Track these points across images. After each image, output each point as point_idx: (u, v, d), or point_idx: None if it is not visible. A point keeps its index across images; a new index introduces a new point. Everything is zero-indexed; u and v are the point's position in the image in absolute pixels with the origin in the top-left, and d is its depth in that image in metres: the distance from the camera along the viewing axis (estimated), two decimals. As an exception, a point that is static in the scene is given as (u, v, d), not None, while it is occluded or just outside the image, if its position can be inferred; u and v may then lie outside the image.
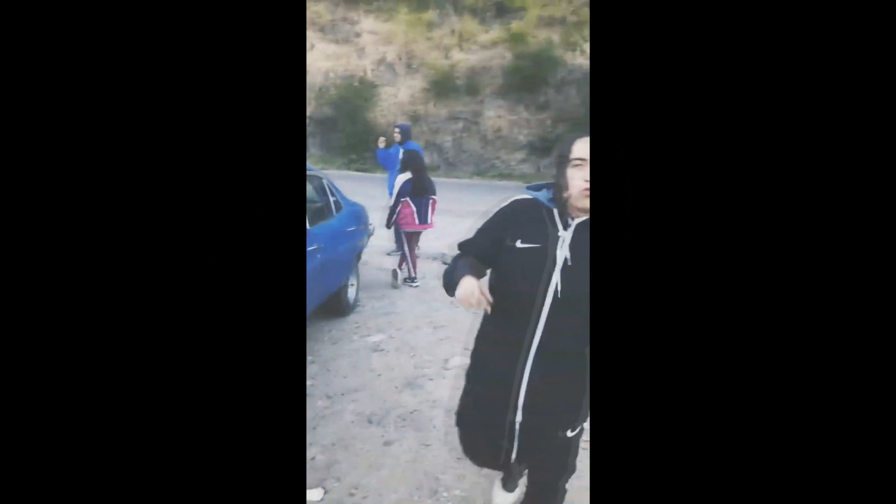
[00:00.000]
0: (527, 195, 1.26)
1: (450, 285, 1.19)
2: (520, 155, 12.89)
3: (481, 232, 1.29)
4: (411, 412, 2.45)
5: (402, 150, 5.16)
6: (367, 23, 14.46)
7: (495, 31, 14.32)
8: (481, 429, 1.39)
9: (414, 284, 4.43)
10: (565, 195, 1.16)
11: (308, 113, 13.19)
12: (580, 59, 13.30)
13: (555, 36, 14.12)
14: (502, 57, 13.96)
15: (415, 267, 4.50)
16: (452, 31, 14.37)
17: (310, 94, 13.37)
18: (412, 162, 4.32)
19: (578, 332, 1.08)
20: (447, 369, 2.90)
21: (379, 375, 2.80)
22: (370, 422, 2.36)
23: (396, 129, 5.46)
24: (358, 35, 14.34)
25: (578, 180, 1.13)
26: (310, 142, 13.02)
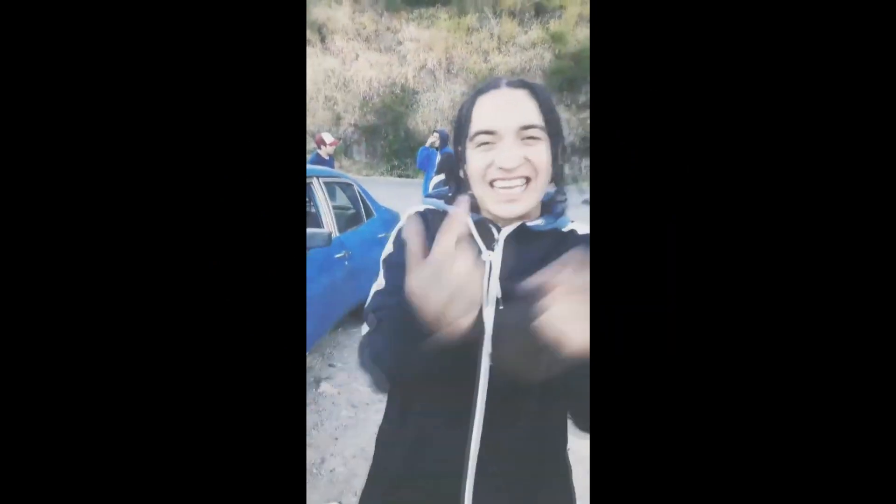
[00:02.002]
0: (428, 205, 0.76)
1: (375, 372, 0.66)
2: (561, 155, 12.57)
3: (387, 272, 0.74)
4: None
5: (439, 154, 5.15)
6: (410, 30, 14.59)
7: (534, 32, 14.08)
8: None
9: None
10: (469, 193, 0.70)
11: (353, 121, 13.46)
12: (623, 55, 12.79)
13: (596, 33, 13.67)
14: (542, 57, 13.70)
15: None
16: (492, 35, 14.24)
17: (355, 103, 13.64)
18: (447, 163, 4.27)
19: (543, 424, 0.67)
20: (472, 380, 2.82)
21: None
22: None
23: (435, 134, 5.45)
24: (400, 43, 14.49)
25: (481, 164, 0.64)
26: (355, 149, 13.28)
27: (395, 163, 12.96)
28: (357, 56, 14.28)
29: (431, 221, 0.73)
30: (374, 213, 3.74)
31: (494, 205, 0.65)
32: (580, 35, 13.75)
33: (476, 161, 0.65)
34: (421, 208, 0.77)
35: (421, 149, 5.38)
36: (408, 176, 11.99)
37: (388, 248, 0.74)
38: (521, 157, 0.63)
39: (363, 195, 3.67)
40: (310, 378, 2.77)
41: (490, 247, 0.68)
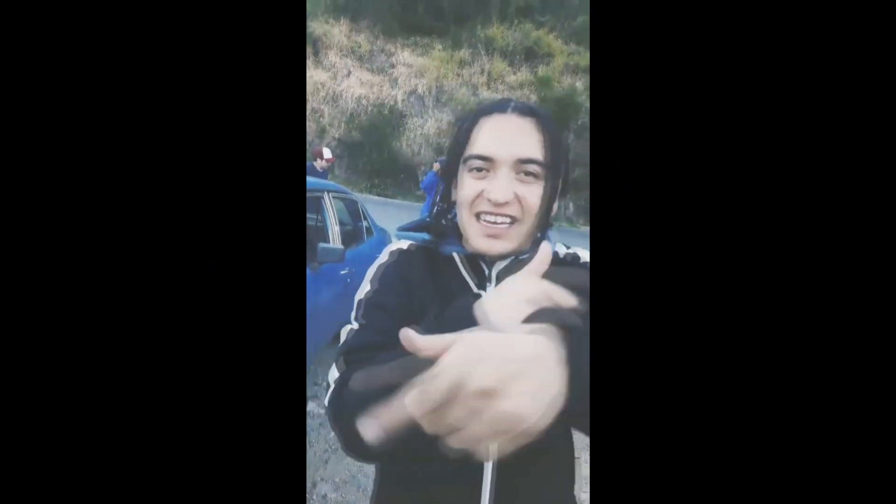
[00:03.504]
0: (411, 241, 0.67)
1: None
2: (537, 193, 12.88)
3: (360, 332, 0.61)
4: (424, 454, 2.33)
5: (440, 180, 5.16)
6: (403, 55, 14.79)
7: (523, 74, 14.57)
8: None
9: None
10: (451, 217, 0.63)
11: (338, 136, 13.39)
12: (602, 107, 13.39)
13: (579, 83, 14.31)
14: (528, 98, 14.15)
15: None
16: (482, 70, 14.63)
17: (341, 118, 13.60)
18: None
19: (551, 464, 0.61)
20: (462, 411, 2.78)
21: (393, 411, 2.69)
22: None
23: (437, 163, 5.51)
24: (393, 66, 14.66)
25: (471, 192, 0.58)
26: (336, 163, 13.17)
27: (376, 181, 12.92)
28: (349, 73, 14.33)
29: (416, 259, 0.65)
30: (374, 233, 3.69)
31: (476, 238, 0.59)
32: (565, 83, 14.34)
33: (466, 187, 0.59)
34: (403, 245, 0.67)
35: (429, 172, 5.43)
36: (387, 195, 11.97)
37: (367, 286, 0.63)
38: (513, 193, 0.57)
39: (365, 213, 3.63)
40: (298, 395, 2.66)
41: (482, 286, 0.61)
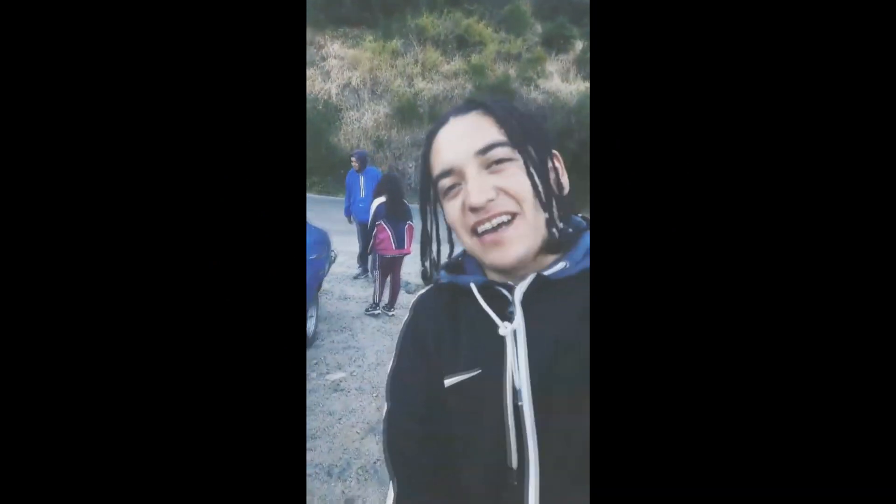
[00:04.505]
0: (431, 285, 0.62)
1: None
2: (478, 181, 12.93)
3: (398, 374, 0.59)
4: (374, 462, 2.22)
5: (361, 176, 4.98)
6: (334, 48, 14.29)
7: (456, 63, 14.48)
8: None
9: (390, 313, 4.18)
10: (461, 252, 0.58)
11: (271, 133, 12.77)
12: (535, 93, 13.61)
13: (511, 71, 14.42)
14: (463, 87, 14.09)
15: (394, 295, 4.25)
16: (416, 61, 14.41)
17: (274, 115, 12.97)
18: (388, 186, 4.12)
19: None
20: (411, 411, 2.69)
21: (339, 420, 2.55)
22: (330, 475, 2.11)
23: (353, 158, 5.21)
24: (324, 59, 14.12)
25: (455, 213, 0.53)
26: (272, 162, 12.59)
27: (315, 179, 12.46)
28: (278, 68, 13.67)
29: (438, 304, 0.59)
30: (306, 234, 3.49)
31: (485, 255, 0.52)
32: (499, 70, 14.40)
33: (450, 211, 0.53)
34: (423, 291, 0.61)
35: (350, 172, 5.19)
36: (327, 193, 11.58)
37: (393, 359, 0.60)
38: (491, 187, 0.50)
39: (296, 215, 3.42)
40: (234, 415, 2.46)
41: (506, 317, 0.52)
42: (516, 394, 0.49)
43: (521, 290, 0.52)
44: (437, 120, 0.56)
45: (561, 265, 0.51)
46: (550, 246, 0.52)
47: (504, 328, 0.51)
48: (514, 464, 0.48)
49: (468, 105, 0.55)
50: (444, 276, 0.59)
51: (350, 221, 5.19)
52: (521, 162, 0.51)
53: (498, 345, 0.50)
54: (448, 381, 0.53)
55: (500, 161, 0.51)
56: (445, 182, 0.53)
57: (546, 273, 0.51)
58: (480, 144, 0.51)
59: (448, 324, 0.56)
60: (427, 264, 0.61)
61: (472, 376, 0.51)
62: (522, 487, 0.48)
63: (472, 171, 0.51)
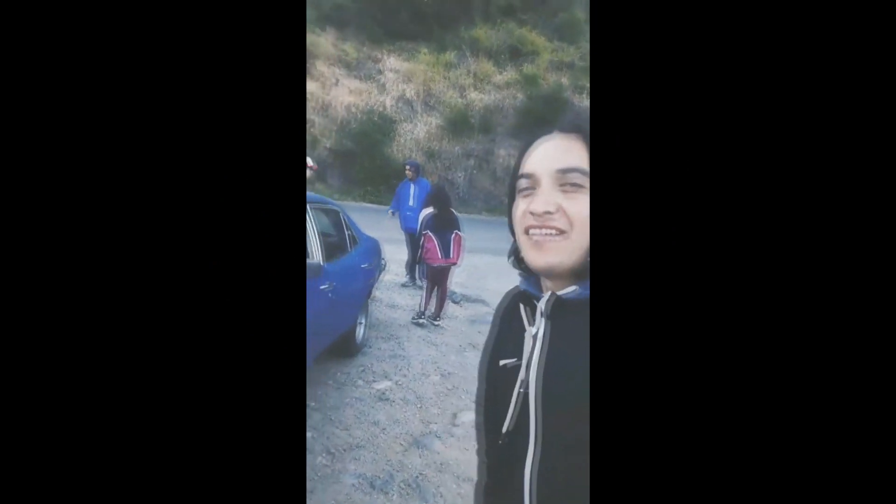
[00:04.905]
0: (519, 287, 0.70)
1: None
2: (529, 191, 12.75)
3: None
4: (416, 476, 2.18)
5: (413, 185, 5.06)
6: (390, 61, 14.65)
7: (509, 73, 14.42)
8: None
9: (436, 323, 4.18)
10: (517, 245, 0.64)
11: (329, 145, 13.24)
12: (587, 101, 13.28)
13: (564, 79, 14.18)
14: (514, 97, 14.01)
15: (441, 305, 4.24)
16: (469, 72, 14.49)
17: (332, 127, 13.46)
18: (437, 196, 4.20)
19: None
20: (455, 426, 2.63)
21: (384, 430, 2.54)
22: (373, 486, 2.09)
23: (407, 167, 5.32)
24: (380, 72, 14.52)
25: (518, 212, 0.60)
26: (329, 173, 13.02)
27: (368, 188, 12.76)
28: (337, 81, 14.19)
29: (508, 314, 0.69)
30: (359, 242, 3.53)
31: (526, 252, 0.60)
32: (551, 79, 14.20)
33: (516, 209, 0.62)
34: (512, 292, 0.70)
35: (404, 182, 5.26)
36: (381, 202, 11.82)
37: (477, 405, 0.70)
38: (556, 203, 0.57)
39: (348, 222, 3.47)
40: (283, 419, 2.50)
41: (531, 321, 0.62)
42: (528, 383, 0.60)
43: (543, 302, 0.61)
44: (546, 131, 0.64)
45: (572, 288, 0.59)
46: (578, 272, 0.58)
47: (530, 331, 0.62)
48: (506, 428, 0.63)
49: (574, 125, 0.60)
50: (520, 283, 0.68)
51: (392, 215, 5.34)
52: (588, 193, 0.56)
53: (528, 349, 0.62)
54: (502, 362, 0.66)
55: (573, 185, 0.57)
56: (523, 183, 0.60)
57: (560, 294, 0.59)
58: (564, 165, 0.58)
59: (509, 317, 0.69)
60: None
61: (514, 362, 0.63)
62: (513, 448, 0.62)
63: (547, 184, 0.58)
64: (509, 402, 0.62)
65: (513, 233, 0.65)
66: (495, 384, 0.66)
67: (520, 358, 0.62)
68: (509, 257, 0.68)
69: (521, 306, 0.65)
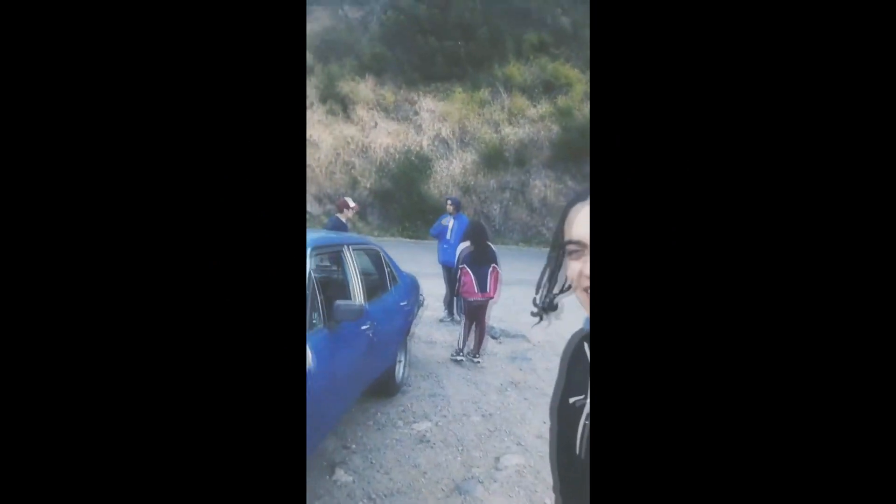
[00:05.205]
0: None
1: None
2: (568, 221, 12.59)
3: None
4: (458, 525, 2.09)
5: (452, 219, 5.12)
6: (426, 102, 15.14)
7: (543, 107, 14.56)
8: None
9: (475, 360, 4.10)
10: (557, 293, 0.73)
11: (368, 185, 13.67)
12: (626, 130, 13.14)
13: (600, 110, 14.13)
14: (549, 129, 14.07)
15: (480, 342, 4.17)
16: (503, 108, 14.74)
17: (371, 168, 13.92)
18: (474, 231, 4.23)
19: None
20: (498, 470, 2.52)
21: (424, 474, 2.47)
22: (413, 535, 2.02)
23: (448, 202, 5.39)
24: (417, 113, 15.00)
25: (574, 272, 0.66)
26: (368, 212, 13.38)
27: (406, 224, 13.00)
28: (376, 124, 14.76)
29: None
30: (398, 280, 3.57)
31: (584, 304, 0.67)
32: (586, 110, 14.20)
33: (570, 268, 0.68)
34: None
35: (443, 216, 5.34)
36: (418, 237, 11.97)
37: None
38: None
39: (387, 260, 3.52)
40: (323, 463, 2.48)
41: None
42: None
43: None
44: (580, 193, 0.69)
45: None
46: None
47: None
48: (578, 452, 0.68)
49: None
50: (584, 324, 0.75)
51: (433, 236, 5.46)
52: None
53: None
54: (572, 400, 0.72)
55: None
56: (573, 247, 0.66)
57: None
58: None
59: (577, 360, 0.76)
60: (541, 294, 0.77)
61: (581, 399, 0.69)
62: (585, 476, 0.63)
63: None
64: (576, 434, 0.69)
65: (552, 284, 0.76)
66: (567, 421, 0.72)
67: (587, 395, 0.67)
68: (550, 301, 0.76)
69: (586, 345, 0.72)
